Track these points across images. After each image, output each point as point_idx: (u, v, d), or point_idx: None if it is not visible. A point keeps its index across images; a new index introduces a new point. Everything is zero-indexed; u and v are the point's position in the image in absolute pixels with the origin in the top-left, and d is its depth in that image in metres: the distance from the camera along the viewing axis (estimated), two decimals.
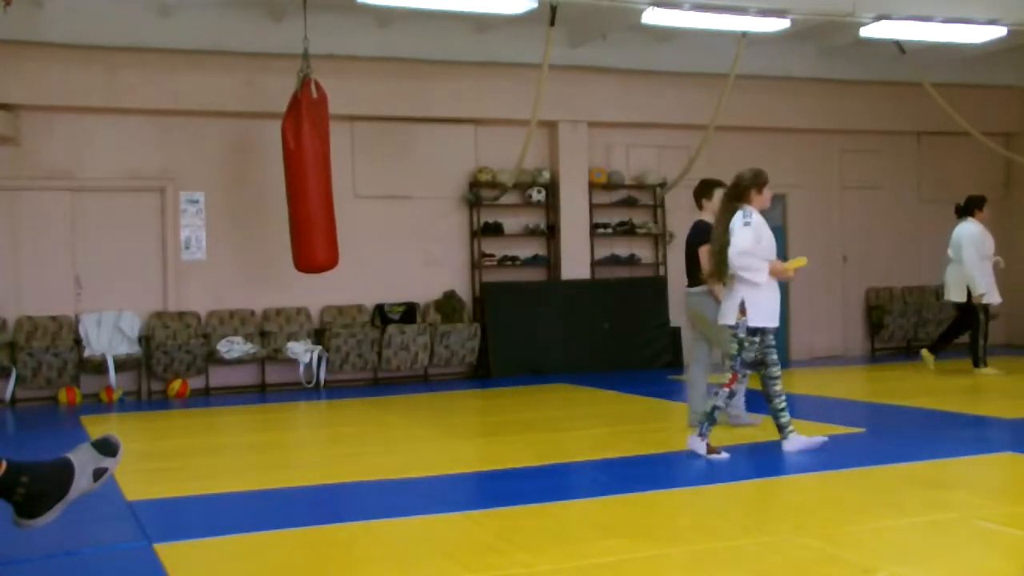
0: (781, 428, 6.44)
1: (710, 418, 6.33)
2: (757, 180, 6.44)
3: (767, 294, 6.34)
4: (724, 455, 6.26)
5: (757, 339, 6.33)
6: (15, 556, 4.22)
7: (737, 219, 6.35)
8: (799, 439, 6.39)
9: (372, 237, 11.64)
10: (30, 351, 10.20)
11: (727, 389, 6.32)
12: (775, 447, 6.61)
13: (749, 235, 6.29)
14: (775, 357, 6.44)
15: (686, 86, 12.49)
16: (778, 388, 6.42)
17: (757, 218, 6.37)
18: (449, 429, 8.20)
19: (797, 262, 6.63)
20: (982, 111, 13.28)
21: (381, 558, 4.21)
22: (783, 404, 6.42)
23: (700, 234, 7.45)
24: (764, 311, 6.32)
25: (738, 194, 6.46)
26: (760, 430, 7.26)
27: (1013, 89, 14.21)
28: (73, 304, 10.81)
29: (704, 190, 7.69)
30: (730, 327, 6.39)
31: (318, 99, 10.15)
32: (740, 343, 6.31)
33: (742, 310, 6.27)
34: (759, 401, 6.88)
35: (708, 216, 7.52)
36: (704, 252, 7.28)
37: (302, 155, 10.10)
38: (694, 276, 7.56)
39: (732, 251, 6.28)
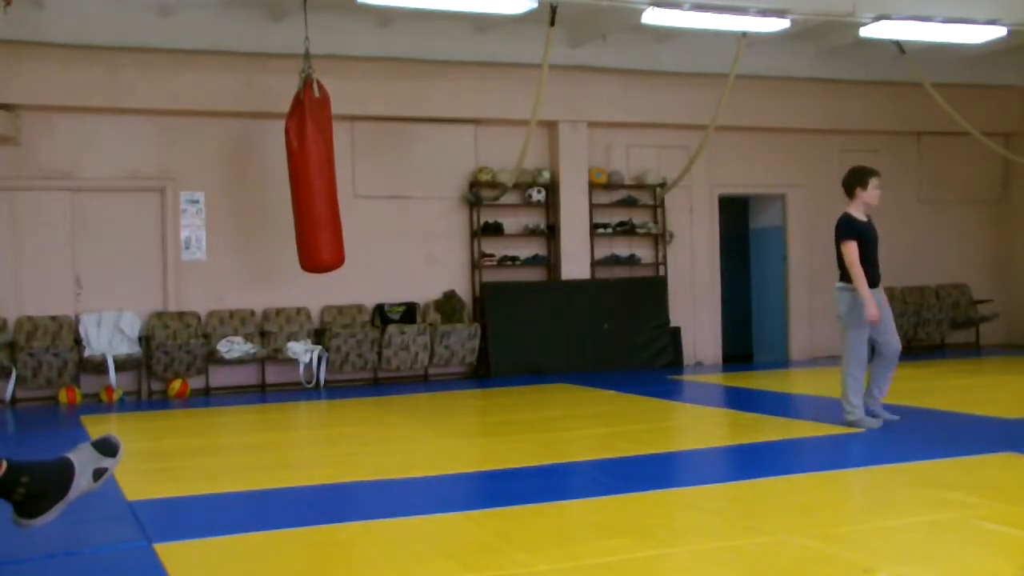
0: None
1: None
2: None
3: None
4: None
5: None
6: (15, 556, 4.22)
7: None
8: None
9: (372, 237, 11.64)
10: (30, 351, 10.20)
11: None
12: (776, 447, 6.60)
13: None
14: None
15: (686, 86, 12.50)
16: None
17: None
18: (449, 429, 8.19)
19: None
20: (982, 111, 13.27)
21: (381, 558, 4.21)
22: None
23: (843, 229, 7.07)
24: None
25: None
26: (761, 430, 7.26)
27: (1013, 89, 14.21)
28: (73, 304, 10.81)
29: (859, 178, 7.15)
30: None
31: (320, 99, 10.16)
32: None
33: None
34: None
35: (858, 208, 7.15)
36: (849, 248, 6.95)
37: (306, 155, 10.11)
38: (843, 271, 7.16)
39: None
